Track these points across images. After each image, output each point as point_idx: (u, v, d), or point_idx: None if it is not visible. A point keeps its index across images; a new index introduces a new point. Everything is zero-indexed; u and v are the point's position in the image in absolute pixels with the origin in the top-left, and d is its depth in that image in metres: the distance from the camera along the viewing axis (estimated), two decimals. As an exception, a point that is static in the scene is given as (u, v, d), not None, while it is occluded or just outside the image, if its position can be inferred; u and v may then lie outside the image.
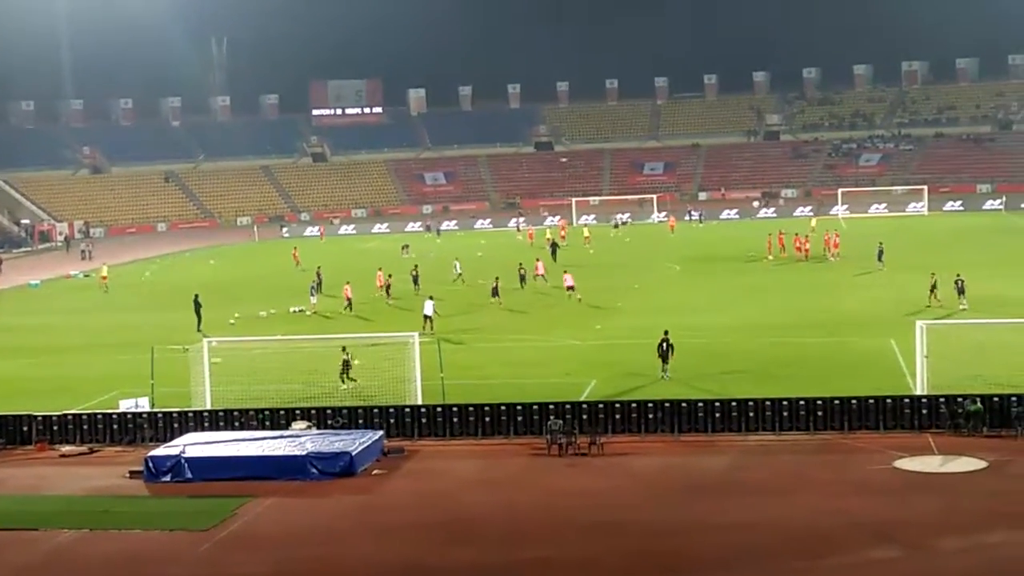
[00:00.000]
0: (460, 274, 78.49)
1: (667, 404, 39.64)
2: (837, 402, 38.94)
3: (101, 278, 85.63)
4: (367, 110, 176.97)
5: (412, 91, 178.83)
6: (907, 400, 39.14)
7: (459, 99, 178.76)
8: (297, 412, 41.28)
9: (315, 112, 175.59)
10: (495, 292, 67.90)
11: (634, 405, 39.92)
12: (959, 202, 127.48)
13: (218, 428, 40.63)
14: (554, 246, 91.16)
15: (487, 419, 40.06)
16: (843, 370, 46.52)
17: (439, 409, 40.72)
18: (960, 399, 38.26)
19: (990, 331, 46.73)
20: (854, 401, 38.90)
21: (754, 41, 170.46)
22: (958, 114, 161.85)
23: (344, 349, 47.26)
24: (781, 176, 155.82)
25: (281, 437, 38.52)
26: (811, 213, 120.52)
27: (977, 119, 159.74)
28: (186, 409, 42.02)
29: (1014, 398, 38.25)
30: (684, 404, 39.61)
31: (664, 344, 46.27)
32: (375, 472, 36.50)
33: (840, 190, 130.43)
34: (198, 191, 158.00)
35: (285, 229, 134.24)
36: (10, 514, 33.61)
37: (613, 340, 55.43)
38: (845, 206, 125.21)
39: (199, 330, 60.38)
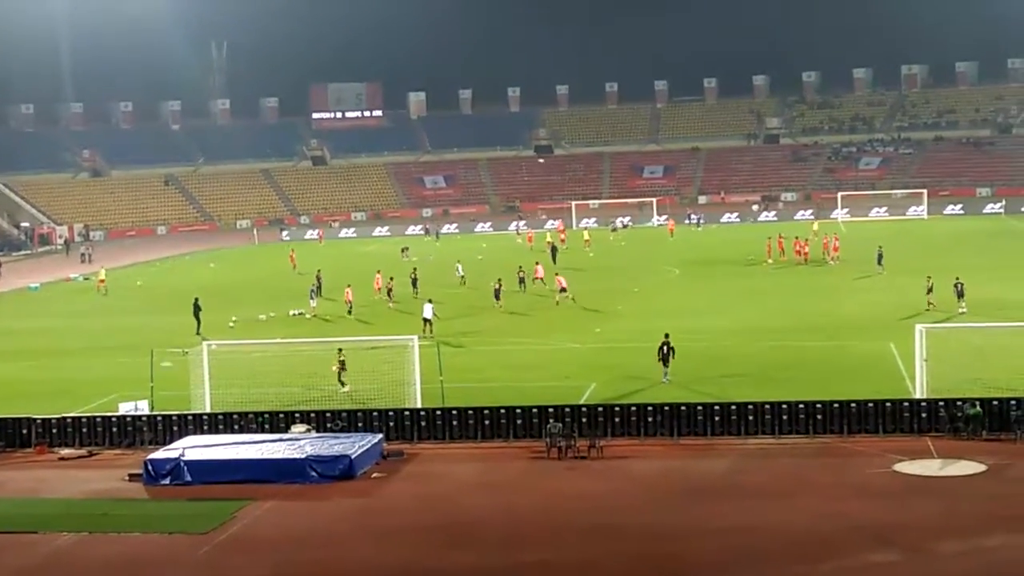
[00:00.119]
0: (463, 277, 78.50)
1: (667, 407, 39.64)
2: (836, 405, 38.93)
3: (99, 281, 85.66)
4: (367, 113, 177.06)
5: (412, 94, 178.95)
6: (906, 404, 39.15)
7: (459, 102, 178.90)
8: (296, 415, 41.29)
9: (315, 115, 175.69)
10: (497, 295, 68.01)
11: (633, 408, 39.92)
12: (959, 206, 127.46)
13: (217, 431, 40.64)
14: (554, 249, 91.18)
15: (487, 422, 40.06)
16: (842, 374, 46.52)
17: (438, 412, 40.72)
18: (959, 402, 38.26)
19: (989, 334, 46.75)
20: (853, 404, 38.89)
21: (754, 44, 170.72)
22: (958, 118, 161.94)
23: (340, 351, 47.20)
24: (781, 180, 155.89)
25: (280, 440, 38.52)
26: (812, 217, 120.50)
27: (977, 123, 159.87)
28: (185, 412, 42.01)
29: (1013, 401, 38.25)
30: (683, 407, 39.61)
31: (665, 347, 46.28)
32: (374, 475, 36.50)
33: (840, 194, 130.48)
34: (198, 194, 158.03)
35: (285, 232, 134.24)
36: (9, 517, 33.60)
37: (613, 343, 55.45)
38: (845, 210, 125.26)
39: (198, 333, 60.39)
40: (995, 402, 38.39)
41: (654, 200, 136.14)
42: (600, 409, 40.00)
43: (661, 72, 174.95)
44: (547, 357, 53.25)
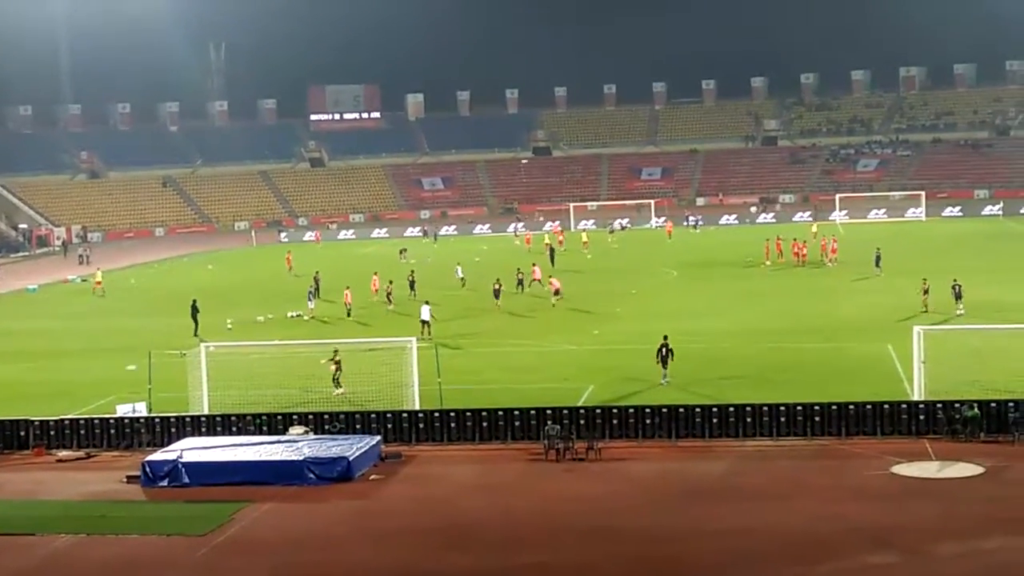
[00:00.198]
0: (463, 279, 78.47)
1: (665, 409, 39.65)
2: (835, 407, 38.95)
3: (95, 283, 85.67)
4: (365, 115, 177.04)
5: (410, 96, 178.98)
6: (904, 405, 39.16)
7: (457, 104, 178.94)
8: (294, 417, 41.27)
9: (313, 117, 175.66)
10: (497, 295, 68.12)
11: (631, 410, 39.94)
12: (957, 208, 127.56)
13: (215, 433, 40.62)
14: (552, 251, 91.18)
15: (484, 424, 40.06)
16: (840, 375, 46.54)
17: (436, 414, 40.73)
18: (957, 404, 38.29)
19: (987, 336, 46.81)
20: (851, 406, 38.91)
21: (752, 46, 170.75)
22: (956, 120, 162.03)
23: (335, 352, 47.14)
24: (779, 181, 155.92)
25: (278, 442, 38.51)
26: (810, 219, 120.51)
27: (975, 125, 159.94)
28: (183, 414, 41.99)
29: (1011, 403, 38.28)
30: (682, 409, 39.62)
31: (663, 349, 46.30)
32: (372, 477, 36.50)
33: (838, 196, 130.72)
34: (196, 196, 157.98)
35: (284, 234, 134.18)
36: (7, 519, 33.60)
37: (611, 345, 55.45)
38: (844, 211, 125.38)
39: (196, 335, 60.37)
40: (993, 404, 38.43)
41: (652, 202, 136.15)
42: (598, 411, 40.00)
43: (659, 74, 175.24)
44: (545, 359, 53.25)
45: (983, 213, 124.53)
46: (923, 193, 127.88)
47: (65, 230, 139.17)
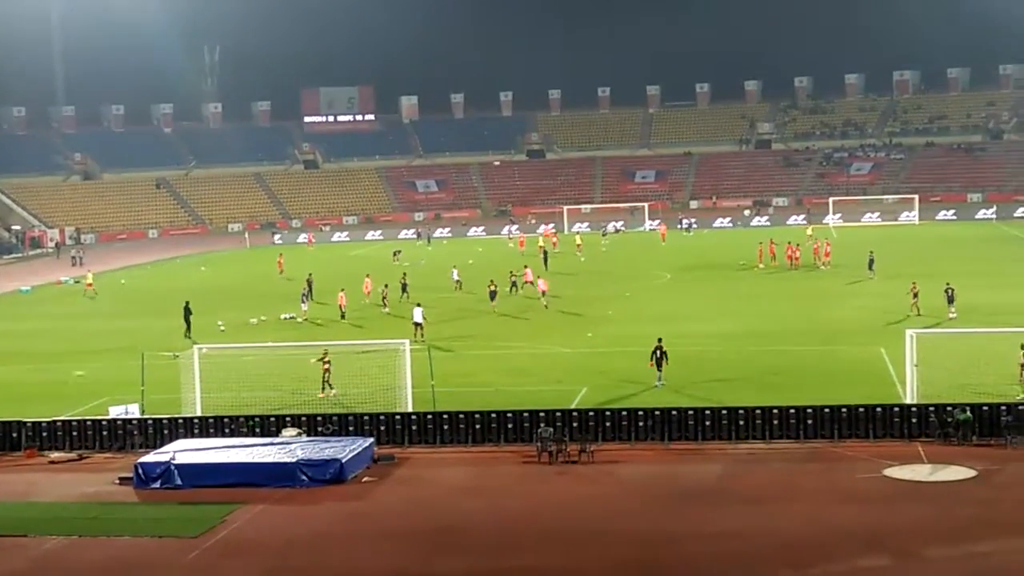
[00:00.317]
0: (459, 281, 78.41)
1: (657, 412, 39.68)
2: (827, 410, 39.00)
3: (86, 285, 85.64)
4: (359, 117, 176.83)
5: (404, 98, 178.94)
6: (897, 409, 39.21)
7: (451, 107, 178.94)
8: (287, 419, 41.26)
9: (307, 119, 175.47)
10: (493, 296, 68.25)
11: (624, 413, 39.95)
12: (951, 211, 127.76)
13: (208, 435, 40.60)
14: (545, 254, 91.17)
15: (477, 427, 40.06)
16: (833, 378, 46.57)
17: (429, 416, 40.74)
18: (950, 408, 38.33)
19: (980, 340, 46.82)
20: (844, 409, 38.95)
21: (746, 50, 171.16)
22: (949, 123, 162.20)
23: (325, 353, 47.09)
24: (772, 185, 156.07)
25: (271, 444, 38.49)
26: (805, 222, 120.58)
27: (968, 128, 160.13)
28: (176, 416, 41.97)
29: (1003, 407, 38.39)
30: (674, 412, 39.63)
31: (658, 352, 46.33)
32: (365, 479, 36.49)
33: (831, 199, 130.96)
34: (190, 198, 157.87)
35: (278, 236, 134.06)
36: (-1, 520, 33.59)
37: (604, 348, 55.45)
38: (838, 215, 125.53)
39: (189, 337, 60.33)
40: (985, 407, 38.49)
41: (646, 205, 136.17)
42: (591, 413, 40.04)
43: (653, 77, 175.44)
44: (538, 361, 53.26)
45: (977, 217, 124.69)
46: (916, 197, 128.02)
47: (58, 231, 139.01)
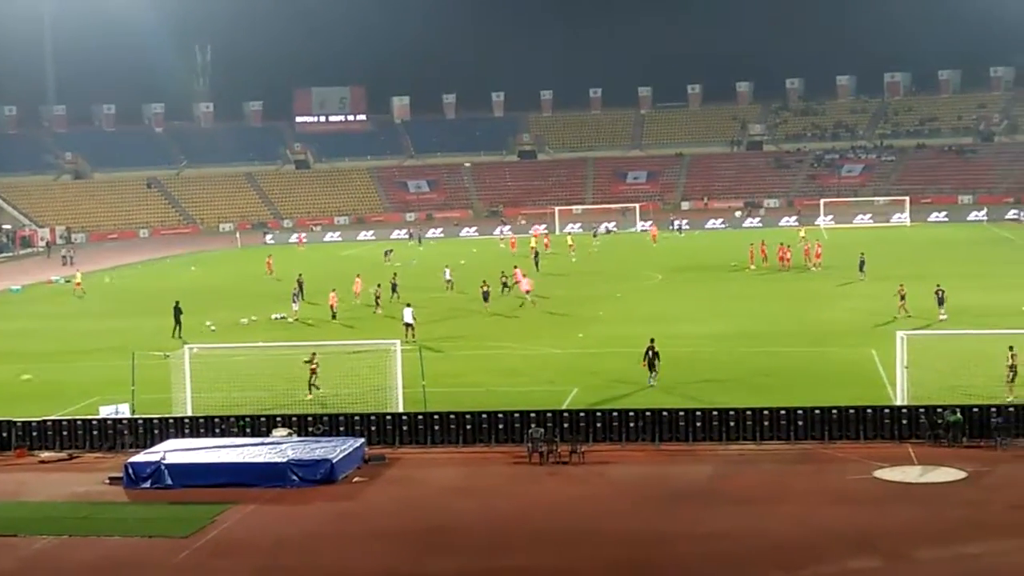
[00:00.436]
0: (450, 281, 78.41)
1: (648, 413, 39.69)
2: (818, 412, 39.04)
3: (75, 284, 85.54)
4: (350, 117, 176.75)
5: (396, 99, 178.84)
6: (887, 410, 39.25)
7: (443, 107, 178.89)
8: (278, 419, 41.22)
9: (298, 119, 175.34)
10: (486, 297, 68.31)
11: (615, 414, 39.98)
12: (943, 213, 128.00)
13: (199, 435, 40.55)
14: (536, 255, 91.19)
15: (468, 427, 40.06)
16: (824, 380, 46.63)
17: (420, 417, 40.73)
18: (940, 409, 38.39)
19: (970, 342, 46.87)
20: (834, 411, 39.00)
21: (737, 51, 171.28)
22: (940, 125, 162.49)
23: (313, 355, 47.03)
24: (764, 186, 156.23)
25: (262, 444, 38.46)
26: (797, 223, 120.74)
27: (959, 130, 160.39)
28: (167, 415, 41.92)
29: (993, 409, 38.48)
30: (665, 413, 39.65)
31: (650, 352, 46.35)
32: (356, 480, 36.48)
33: (822, 200, 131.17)
34: (181, 197, 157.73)
35: (270, 236, 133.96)
36: (-11, 520, 33.52)
37: (595, 349, 55.44)
38: (830, 216, 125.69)
39: (179, 336, 60.26)
40: (975, 409, 38.55)
41: (637, 206, 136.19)
42: (582, 414, 40.02)
43: (645, 78, 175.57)
44: (529, 362, 53.26)
45: (968, 219, 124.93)
46: (907, 198, 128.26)
47: (49, 231, 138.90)
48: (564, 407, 42.02)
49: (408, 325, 58.32)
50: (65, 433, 41.39)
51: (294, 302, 68.98)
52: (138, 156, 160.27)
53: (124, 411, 42.74)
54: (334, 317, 66.49)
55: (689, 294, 74.62)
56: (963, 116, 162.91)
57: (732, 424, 39.13)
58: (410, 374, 43.57)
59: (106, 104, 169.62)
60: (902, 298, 60.66)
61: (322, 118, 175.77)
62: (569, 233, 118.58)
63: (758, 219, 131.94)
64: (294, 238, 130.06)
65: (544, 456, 37.54)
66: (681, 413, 39.62)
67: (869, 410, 39.09)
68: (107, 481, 37.05)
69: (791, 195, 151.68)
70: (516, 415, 39.75)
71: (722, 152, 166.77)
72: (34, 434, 41.35)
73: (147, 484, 36.20)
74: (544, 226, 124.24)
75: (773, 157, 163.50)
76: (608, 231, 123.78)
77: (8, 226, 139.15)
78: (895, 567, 28.54)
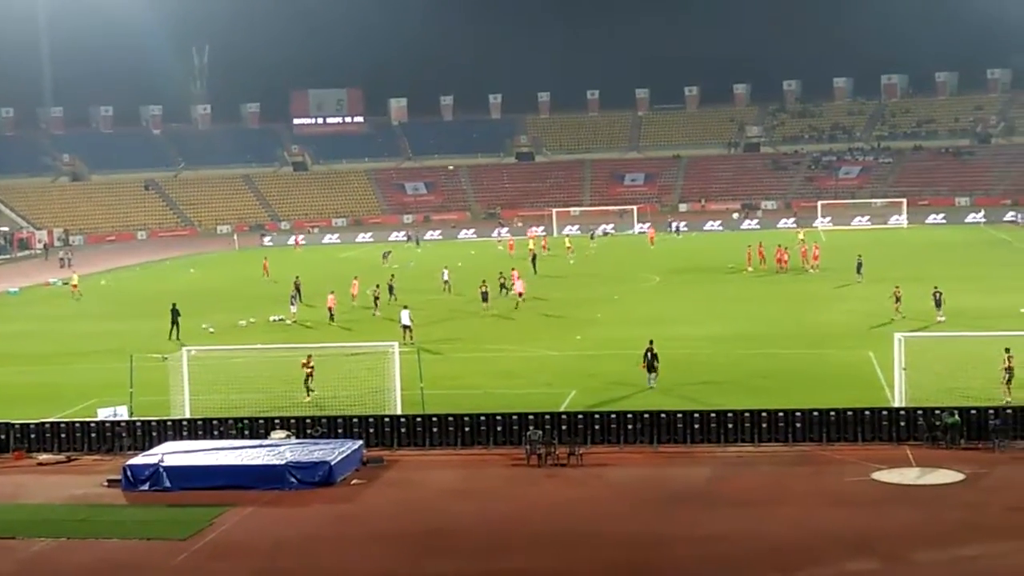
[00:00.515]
0: (447, 282, 78.44)
1: (646, 415, 39.69)
2: (816, 414, 39.05)
3: (72, 287, 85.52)
4: (348, 119, 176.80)
5: (393, 101, 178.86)
6: (885, 412, 39.26)
7: (440, 109, 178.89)
8: (276, 421, 41.22)
9: (296, 121, 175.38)
10: (485, 297, 68.37)
11: (613, 416, 39.98)
12: (941, 215, 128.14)
13: (197, 437, 40.55)
14: (534, 257, 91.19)
15: (466, 429, 40.05)
16: (822, 382, 46.64)
17: (418, 419, 40.72)
18: (938, 411, 38.39)
19: (968, 344, 46.92)
20: (832, 413, 39.00)
21: (735, 54, 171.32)
22: (937, 127, 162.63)
23: (309, 357, 47.03)
24: (761, 188, 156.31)
25: (260, 446, 38.46)
26: (795, 225, 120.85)
27: (956, 132, 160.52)
28: (165, 418, 41.91)
29: (991, 410, 38.49)
30: (663, 415, 39.65)
31: (648, 354, 46.38)
32: (354, 482, 36.48)
33: (820, 202, 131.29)
34: (178, 199, 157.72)
35: (268, 238, 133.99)
36: (-13, 522, 33.50)
37: (593, 351, 55.46)
38: (828, 218, 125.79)
39: (177, 339, 60.29)
40: (973, 411, 38.56)
41: (635, 208, 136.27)
42: (580, 416, 40.05)
43: (642, 80, 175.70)
44: (527, 364, 53.27)
45: (966, 221, 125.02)
46: (904, 200, 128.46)
47: (47, 233, 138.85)
48: (562, 409, 42.02)
49: (406, 327, 58.32)
50: (63, 435, 41.36)
51: (292, 304, 68.96)
52: (136, 158, 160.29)
53: (122, 413, 42.75)
54: (332, 319, 66.45)
55: (687, 296, 74.65)
56: (960, 118, 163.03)
57: (730, 426, 39.14)
58: (408, 376, 43.58)
59: (104, 106, 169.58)
60: (897, 300, 60.75)
61: (319, 120, 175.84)
62: (567, 235, 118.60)
63: (756, 221, 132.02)
64: (292, 240, 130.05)
65: (542, 458, 37.55)
66: (679, 415, 39.63)
67: (867, 412, 39.11)
68: (105, 483, 37.03)
69: (788, 197, 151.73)
70: (514, 417, 39.76)
71: (719, 154, 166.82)
72: (32, 436, 41.32)
73: (145, 486, 36.19)
74: (542, 228, 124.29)
75: (770, 159, 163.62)
76: (606, 233, 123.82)
77: (6, 228, 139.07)
78: (893, 569, 28.56)
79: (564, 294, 76.08)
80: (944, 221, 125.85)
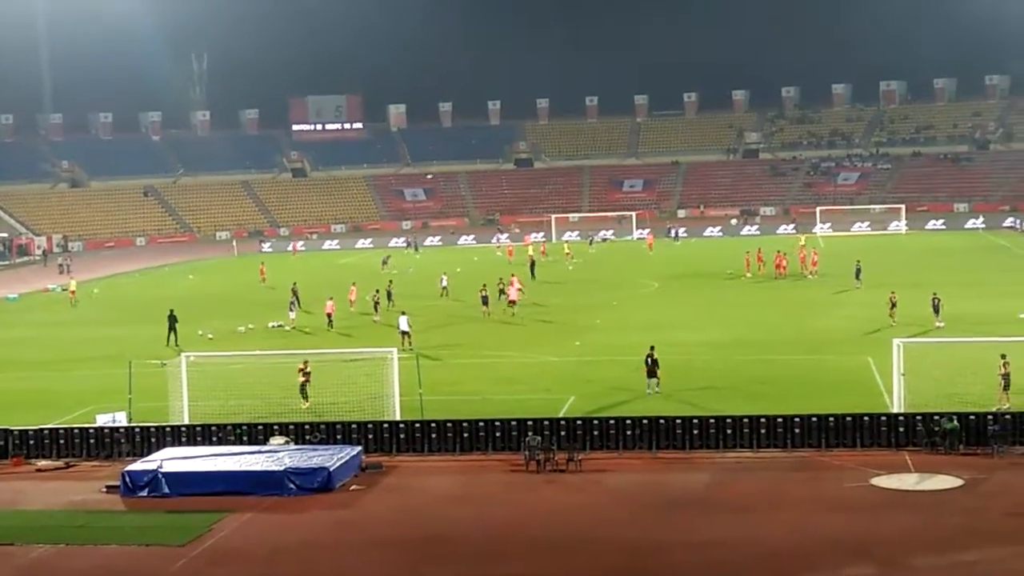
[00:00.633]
0: (445, 288, 78.47)
1: (645, 421, 39.69)
2: (814, 419, 39.03)
3: (70, 293, 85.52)
4: (347, 125, 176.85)
5: (392, 107, 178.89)
6: (884, 418, 39.27)
7: (439, 115, 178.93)
8: (275, 427, 41.20)
9: (295, 127, 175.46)
10: (485, 301, 68.46)
11: (612, 421, 39.96)
12: (941, 221, 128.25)
13: (196, 443, 40.54)
14: (532, 263, 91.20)
15: (465, 435, 40.04)
16: (820, 387, 46.65)
17: (417, 425, 40.72)
18: (936, 417, 38.38)
19: (966, 349, 46.94)
20: (831, 418, 38.99)
21: (733, 60, 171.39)
22: (935, 133, 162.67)
23: (305, 363, 46.99)
24: (760, 194, 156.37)
25: (259, 452, 38.45)
26: (795, 231, 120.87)
27: (954, 138, 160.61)
28: (163, 424, 41.91)
29: (990, 416, 38.51)
30: (662, 421, 39.65)
31: (649, 359, 46.37)
32: (353, 488, 36.46)
33: (818, 208, 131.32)
34: (177, 205, 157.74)
35: (267, 244, 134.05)
36: (-15, 528, 33.47)
37: (591, 356, 55.49)
38: (828, 224, 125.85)
39: (175, 344, 60.32)
40: (972, 417, 38.56)
41: (634, 214, 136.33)
42: (579, 422, 40.05)
43: (641, 86, 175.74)
44: (526, 370, 53.26)
45: (966, 227, 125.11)
46: (903, 206, 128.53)
47: (46, 239, 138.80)
48: (561, 415, 41.99)
49: (404, 333, 58.33)
50: (62, 441, 41.31)
51: (291, 310, 68.96)
52: (135, 164, 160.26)
53: (121, 419, 42.73)
54: (331, 325, 66.43)
55: (685, 302, 74.68)
56: (959, 124, 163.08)
57: (729, 432, 39.14)
58: (407, 382, 43.55)
59: (103, 112, 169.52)
60: (893, 306, 60.77)
61: (318, 126, 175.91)
62: (566, 241, 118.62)
63: (755, 227, 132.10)
64: (290, 247, 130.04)
65: (541, 464, 37.54)
66: (678, 421, 39.62)
67: (866, 418, 39.09)
68: (104, 490, 37.02)
69: (787, 203, 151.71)
70: (513, 423, 39.76)
71: (718, 160, 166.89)
72: (31, 442, 41.26)
73: (144, 492, 36.16)
74: (542, 234, 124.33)
75: (769, 165, 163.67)
76: (604, 239, 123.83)
77: (5, 234, 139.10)
78: (891, 574, 28.55)
79: (563, 300, 76.11)
80: (944, 227, 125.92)
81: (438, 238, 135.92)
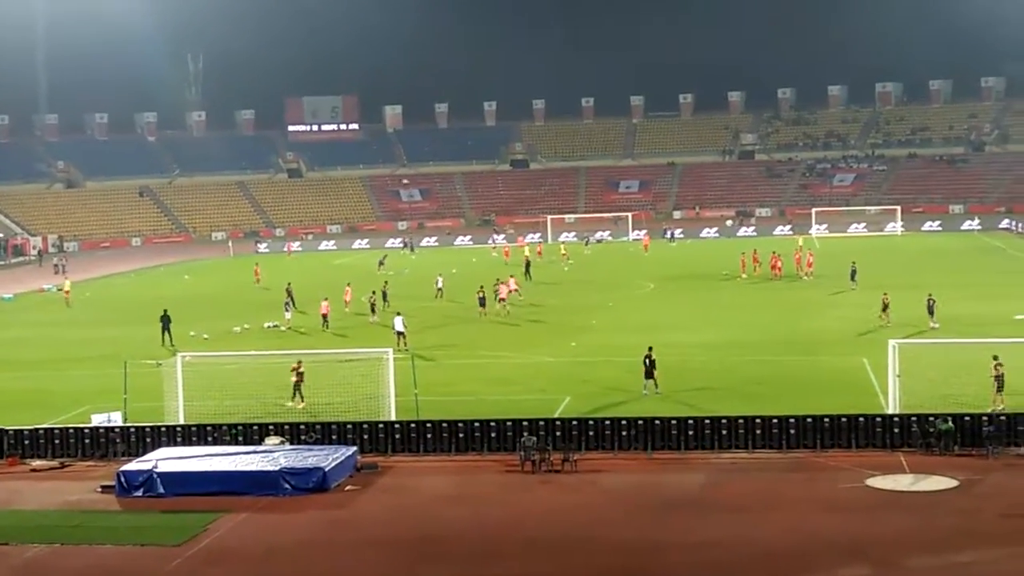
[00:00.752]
0: (440, 289, 78.50)
1: (640, 421, 39.70)
2: (810, 420, 39.05)
3: (64, 293, 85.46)
4: (343, 126, 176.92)
5: (388, 108, 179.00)
6: (879, 419, 39.29)
7: (435, 116, 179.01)
8: (270, 427, 41.19)
9: (291, 128, 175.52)
10: (482, 302, 68.42)
11: (607, 422, 39.97)
12: (937, 222, 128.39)
13: (191, 443, 40.52)
14: (527, 264, 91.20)
15: (460, 435, 40.06)
16: (816, 388, 46.68)
17: (413, 425, 40.71)
18: (931, 418, 38.43)
19: (962, 351, 46.96)
20: (827, 419, 39.02)
21: (729, 61, 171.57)
22: (931, 135, 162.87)
23: (299, 363, 46.98)
24: (755, 195, 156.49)
25: (254, 452, 38.44)
26: (791, 232, 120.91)
27: (950, 140, 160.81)
28: (159, 424, 41.89)
29: (985, 417, 38.53)
30: (657, 421, 39.65)
31: (647, 360, 46.38)
32: (348, 488, 36.45)
33: (814, 209, 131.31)
34: (173, 206, 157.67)
35: (263, 245, 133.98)
36: (-20, 528, 33.44)
37: (587, 357, 55.50)
38: (823, 225, 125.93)
39: (170, 344, 60.27)
40: (967, 418, 38.58)
41: (629, 215, 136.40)
42: (574, 423, 40.03)
43: (637, 87, 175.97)
44: (521, 371, 53.26)
45: (962, 228, 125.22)
46: (898, 208, 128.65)
47: (41, 239, 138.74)
48: (556, 415, 41.98)
49: (399, 333, 58.33)
50: (57, 441, 41.27)
51: (287, 311, 68.93)
52: (130, 165, 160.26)
53: (116, 419, 42.72)
54: (326, 326, 66.40)
55: (681, 303, 74.72)
56: (954, 126, 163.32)
57: (724, 432, 39.16)
58: (402, 383, 43.56)
59: (98, 113, 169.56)
60: (885, 307, 60.81)
61: (314, 127, 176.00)
62: (562, 242, 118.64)
63: (752, 228, 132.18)
64: (285, 247, 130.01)
65: (536, 464, 37.54)
66: (673, 422, 39.62)
67: (861, 419, 39.12)
68: (99, 489, 37.00)
69: (783, 204, 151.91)
70: (508, 423, 39.77)
71: (714, 161, 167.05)
72: (26, 442, 41.25)
73: (139, 492, 36.14)
74: (539, 235, 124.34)
75: (765, 166, 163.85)
76: (600, 240, 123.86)
77: (0, 235, 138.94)
78: (886, 575, 28.56)
79: (559, 301, 76.12)
80: (940, 228, 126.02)
81: (434, 239, 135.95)
